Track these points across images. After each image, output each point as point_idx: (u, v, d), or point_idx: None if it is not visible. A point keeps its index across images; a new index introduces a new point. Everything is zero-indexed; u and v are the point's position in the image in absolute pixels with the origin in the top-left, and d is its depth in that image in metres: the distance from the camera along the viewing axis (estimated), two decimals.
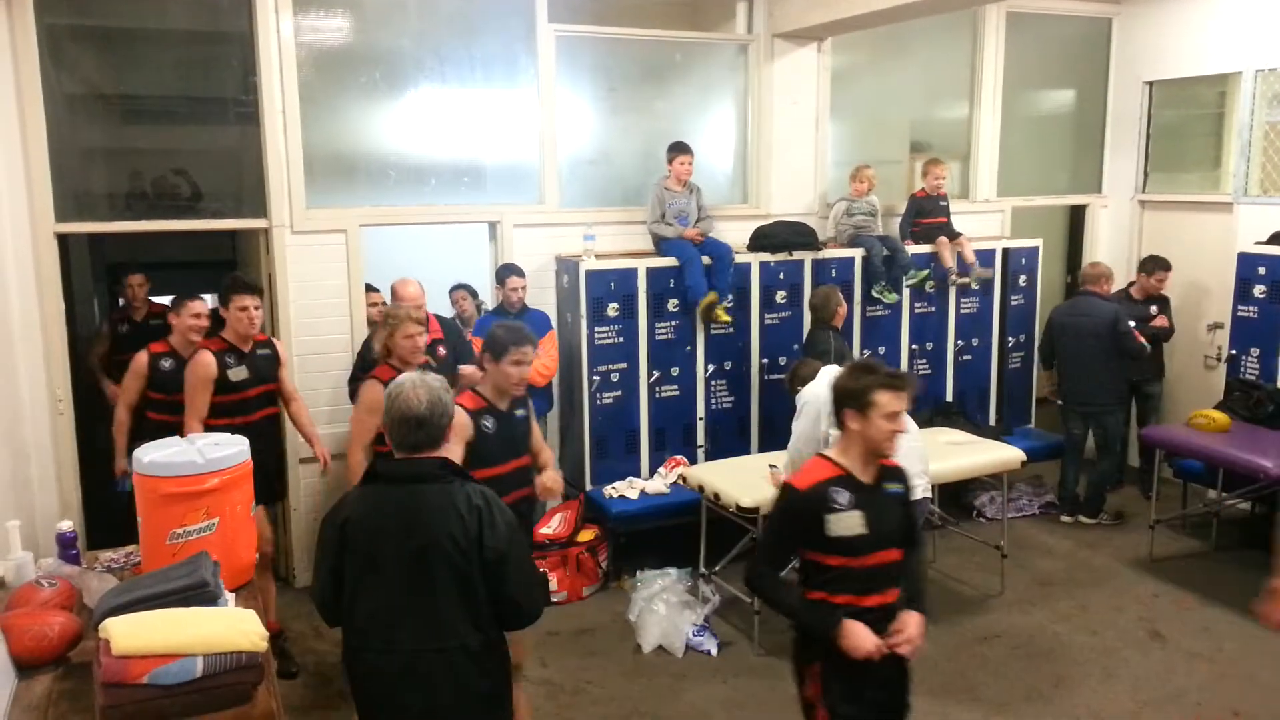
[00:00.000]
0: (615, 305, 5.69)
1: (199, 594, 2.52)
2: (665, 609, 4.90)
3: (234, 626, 2.39)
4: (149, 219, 5.18)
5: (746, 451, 6.02)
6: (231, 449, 3.05)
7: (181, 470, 2.92)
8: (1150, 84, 7.24)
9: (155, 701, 2.25)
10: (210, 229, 5.45)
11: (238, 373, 4.42)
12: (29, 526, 3.86)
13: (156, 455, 2.96)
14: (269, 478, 4.56)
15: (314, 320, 5.36)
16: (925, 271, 6.45)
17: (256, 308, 4.48)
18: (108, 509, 5.24)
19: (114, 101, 5.27)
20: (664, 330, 5.82)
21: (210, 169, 5.47)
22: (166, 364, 4.70)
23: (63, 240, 4.96)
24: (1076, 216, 7.89)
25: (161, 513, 2.92)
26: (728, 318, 5.86)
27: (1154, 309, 6.59)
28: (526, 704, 3.63)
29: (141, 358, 4.70)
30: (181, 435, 3.80)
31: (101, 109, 5.25)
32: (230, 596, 2.73)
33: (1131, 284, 6.74)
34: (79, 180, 5.05)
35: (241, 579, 3.06)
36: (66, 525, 3.31)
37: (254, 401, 4.49)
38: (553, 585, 5.29)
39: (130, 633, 2.29)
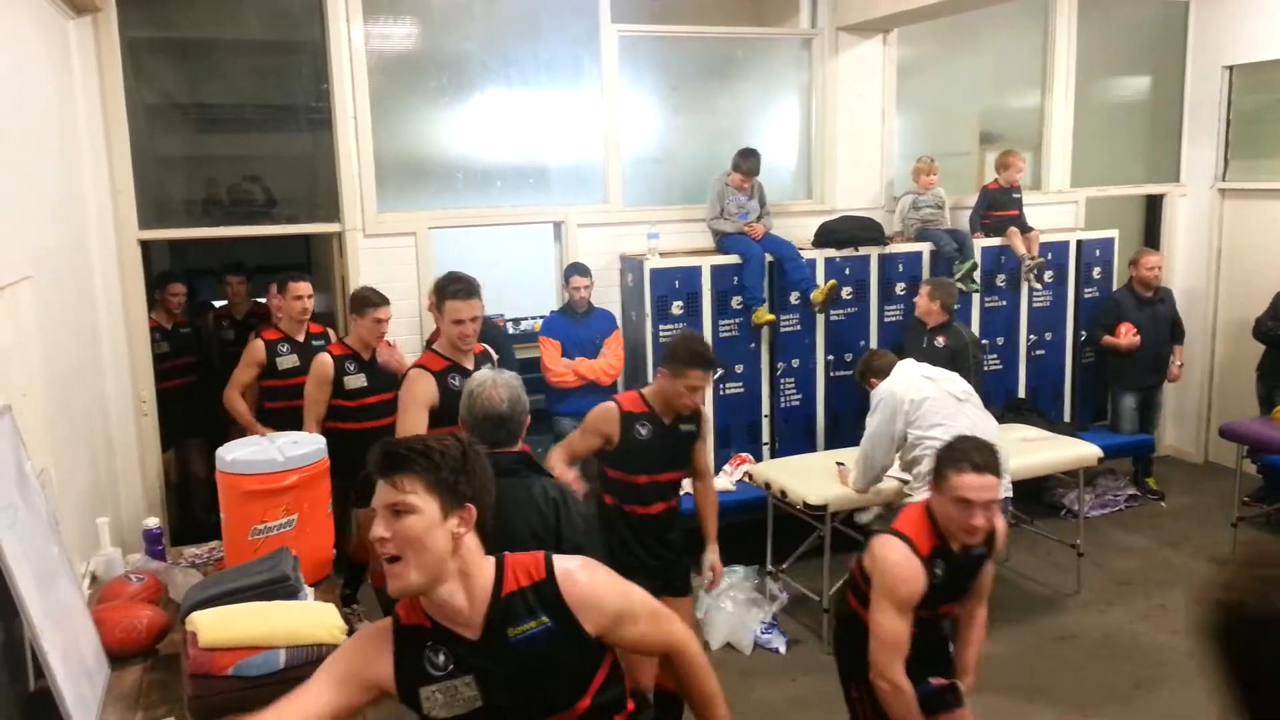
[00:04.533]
0: (679, 303, 5.69)
1: (280, 588, 2.59)
2: (733, 606, 4.90)
3: (314, 619, 2.45)
4: (225, 224, 5.33)
5: (813, 449, 5.98)
6: (309, 447, 3.13)
7: (262, 468, 3.00)
8: (1230, 68, 7.01)
9: (240, 692, 2.31)
10: (285, 234, 5.59)
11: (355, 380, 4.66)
12: (116, 523, 3.99)
13: (238, 454, 3.05)
14: None
15: None
16: (970, 262, 6.14)
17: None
18: (188, 507, 5.43)
19: (191, 111, 5.43)
20: (728, 328, 5.81)
21: (284, 175, 5.60)
22: (284, 348, 5.03)
23: (144, 246, 5.12)
24: (1153, 206, 7.68)
25: (243, 509, 3.00)
26: (830, 283, 5.86)
27: None
28: None
29: (257, 345, 5.02)
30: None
31: (179, 118, 5.41)
32: (310, 590, 2.80)
33: None
34: (159, 188, 5.22)
35: (320, 573, 3.13)
36: (152, 522, 3.42)
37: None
38: None
39: (216, 625, 2.36)
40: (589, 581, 1.86)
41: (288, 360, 4.98)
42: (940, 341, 5.36)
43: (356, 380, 4.63)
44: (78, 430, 3.92)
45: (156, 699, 2.47)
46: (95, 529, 3.31)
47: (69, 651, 2.29)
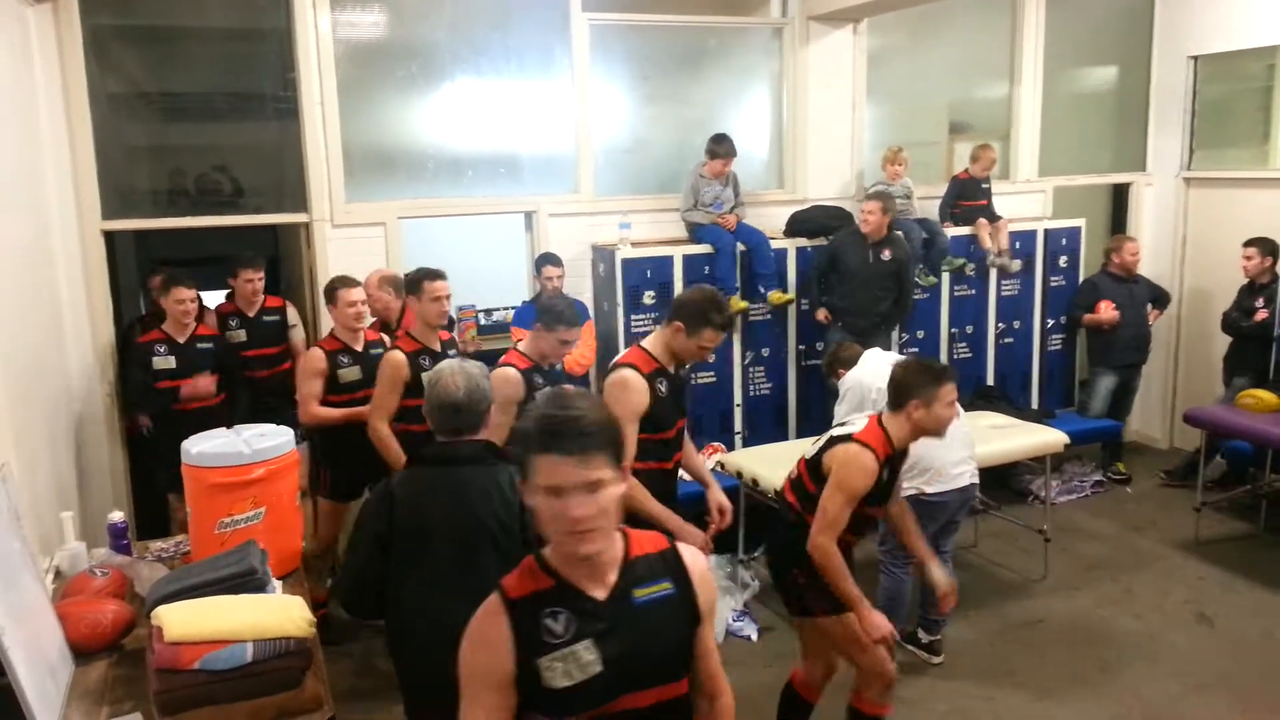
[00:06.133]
0: (651, 293, 5.69)
1: (248, 581, 2.58)
2: None
3: (282, 613, 2.44)
4: (192, 215, 5.27)
5: (784, 438, 6.01)
6: (277, 439, 3.10)
7: (229, 461, 2.98)
8: (1195, 58, 7.08)
9: (206, 686, 2.29)
10: (252, 224, 5.53)
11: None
12: (81, 518, 3.94)
13: (204, 446, 3.02)
14: None
15: None
16: (962, 260, 6.35)
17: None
18: (154, 502, 5.34)
19: (155, 100, 5.37)
20: None
21: (251, 164, 5.55)
22: (345, 359, 4.48)
23: (109, 237, 5.05)
24: (1120, 196, 7.76)
25: (210, 502, 2.98)
26: (789, 296, 5.91)
27: (1260, 301, 6.15)
28: None
29: (317, 354, 4.47)
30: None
31: (144, 107, 5.35)
32: (278, 584, 2.78)
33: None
34: (123, 178, 5.16)
35: (288, 566, 3.11)
36: (117, 516, 3.38)
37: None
38: None
39: (182, 620, 2.34)
40: (701, 561, 1.90)
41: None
42: (886, 255, 5.52)
43: None
44: (40, 424, 3.87)
45: (122, 694, 2.45)
46: (59, 523, 3.28)
47: (31, 648, 2.26)
